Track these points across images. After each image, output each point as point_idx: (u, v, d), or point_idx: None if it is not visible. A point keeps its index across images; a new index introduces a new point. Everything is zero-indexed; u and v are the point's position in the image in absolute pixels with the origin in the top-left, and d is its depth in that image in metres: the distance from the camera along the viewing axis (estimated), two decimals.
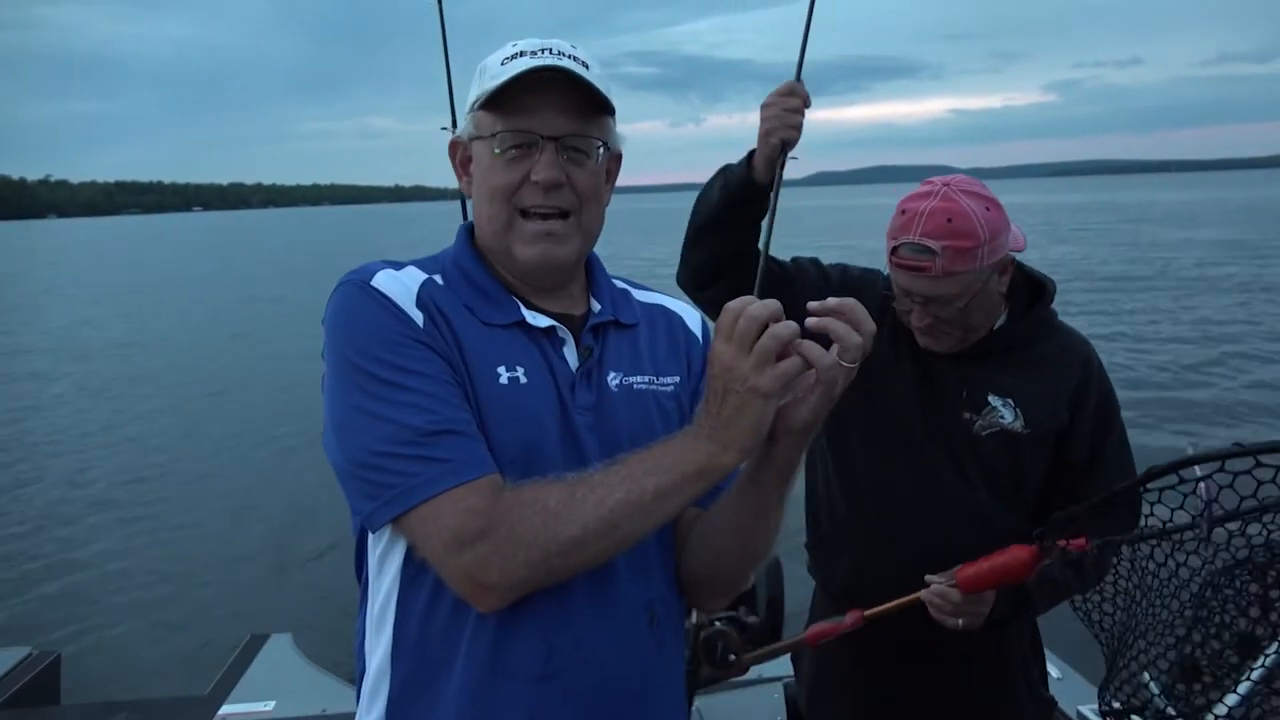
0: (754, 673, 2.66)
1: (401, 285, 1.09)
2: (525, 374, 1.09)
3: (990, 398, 1.69)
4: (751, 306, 0.96)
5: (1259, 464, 0.98)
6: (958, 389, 1.71)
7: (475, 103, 1.12)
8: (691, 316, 1.32)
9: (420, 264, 1.16)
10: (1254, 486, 0.99)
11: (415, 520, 0.99)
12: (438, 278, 1.14)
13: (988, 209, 1.60)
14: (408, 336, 1.04)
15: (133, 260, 47.96)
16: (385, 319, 1.05)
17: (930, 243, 1.57)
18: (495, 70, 1.09)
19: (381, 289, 1.07)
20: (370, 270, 1.10)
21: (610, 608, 1.10)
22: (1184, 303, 16.54)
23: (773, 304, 0.97)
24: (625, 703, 1.11)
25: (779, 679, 2.60)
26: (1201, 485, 1.07)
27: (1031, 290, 1.78)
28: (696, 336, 1.29)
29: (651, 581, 1.16)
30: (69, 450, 9.49)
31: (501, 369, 1.08)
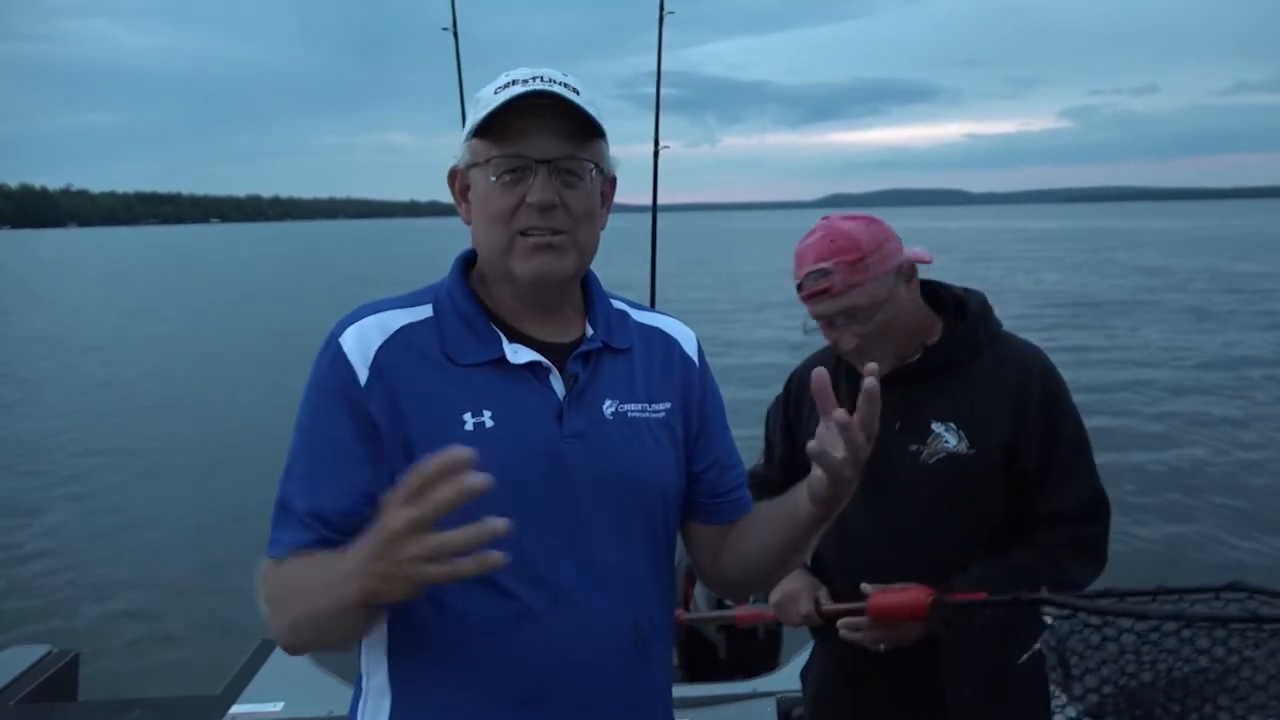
0: (748, 686, 2.70)
1: (363, 343, 1.12)
2: (493, 417, 1.10)
3: (933, 424, 1.68)
4: (451, 536, 0.86)
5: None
6: (894, 420, 1.66)
7: (470, 131, 1.14)
8: (688, 340, 1.30)
9: (406, 301, 1.18)
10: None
11: None
12: (424, 310, 1.17)
13: (866, 225, 1.68)
14: (336, 404, 1.11)
15: (177, 271, 48.44)
16: (328, 383, 1.12)
17: (823, 264, 1.65)
18: (489, 100, 1.12)
19: (344, 347, 1.12)
20: (347, 322, 1.15)
21: (595, 630, 1.12)
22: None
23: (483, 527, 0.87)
24: None
25: (772, 694, 2.64)
26: (1046, 647, 1.18)
27: (960, 309, 1.77)
28: (693, 360, 1.28)
29: (640, 601, 1.17)
30: (92, 455, 9.63)
31: (468, 415, 1.10)
